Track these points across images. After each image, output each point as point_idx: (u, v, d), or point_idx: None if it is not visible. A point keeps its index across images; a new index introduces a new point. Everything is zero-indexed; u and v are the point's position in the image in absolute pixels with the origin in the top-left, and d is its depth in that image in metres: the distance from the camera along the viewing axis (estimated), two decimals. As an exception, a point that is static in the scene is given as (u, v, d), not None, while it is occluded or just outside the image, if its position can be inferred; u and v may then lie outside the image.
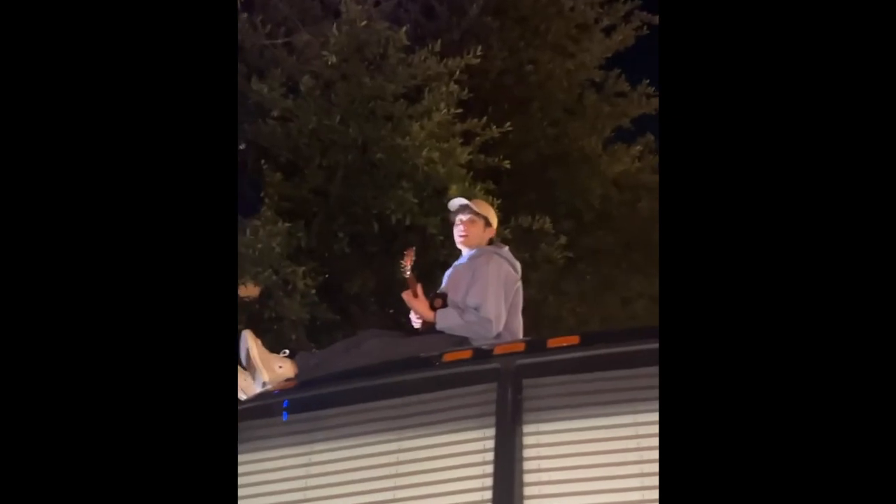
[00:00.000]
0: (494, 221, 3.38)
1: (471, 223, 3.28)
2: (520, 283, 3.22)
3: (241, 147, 5.92)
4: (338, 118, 5.41)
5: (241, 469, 2.36)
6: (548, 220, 6.11)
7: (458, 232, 3.30)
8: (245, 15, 5.37)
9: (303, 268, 5.21)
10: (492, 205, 4.10)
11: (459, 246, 3.32)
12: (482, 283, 3.02)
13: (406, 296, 3.11)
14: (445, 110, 5.47)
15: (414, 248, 3.30)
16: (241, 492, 2.31)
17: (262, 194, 5.34)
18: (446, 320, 2.98)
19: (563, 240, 6.29)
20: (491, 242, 3.36)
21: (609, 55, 7.44)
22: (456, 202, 3.37)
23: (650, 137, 7.52)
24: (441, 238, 5.36)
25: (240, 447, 2.40)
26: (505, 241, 4.85)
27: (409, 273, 3.14)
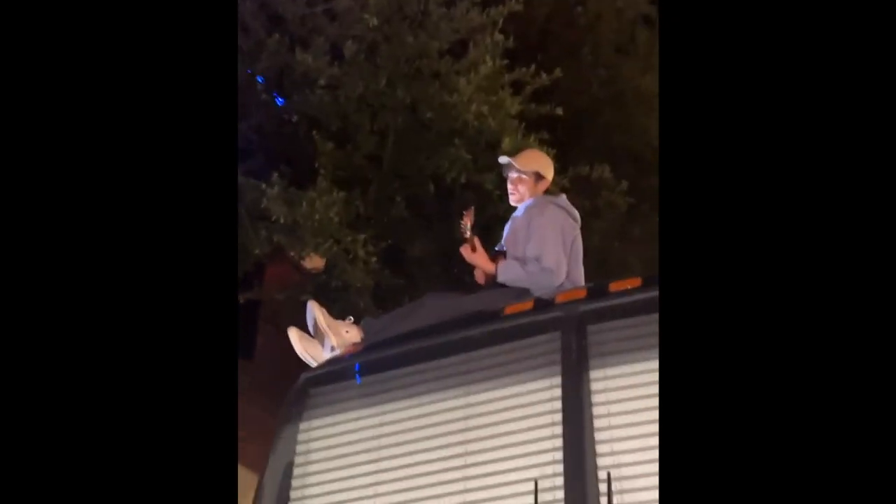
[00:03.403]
0: (549, 172, 3.26)
1: (518, 181, 3.18)
2: (578, 232, 3.14)
3: (294, 120, 5.96)
4: (384, 81, 5.37)
5: (316, 433, 2.42)
6: (607, 167, 5.97)
7: (509, 191, 3.24)
8: (283, -15, 5.36)
9: (363, 235, 5.25)
10: (546, 154, 3.99)
11: (512, 203, 3.26)
12: (540, 234, 2.96)
13: (464, 250, 3.08)
14: (492, 62, 5.36)
15: (473, 207, 3.25)
16: (315, 455, 2.37)
17: (316, 165, 5.37)
18: (508, 272, 2.95)
19: (623, 185, 6.14)
20: (548, 192, 3.28)
21: (663, -13, 7.11)
22: (502, 160, 3.30)
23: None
24: (498, 193, 5.30)
25: (314, 412, 2.47)
26: (564, 190, 4.76)
27: (468, 233, 3.10)
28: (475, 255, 3.04)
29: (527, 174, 3.17)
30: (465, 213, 3.14)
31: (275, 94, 6.08)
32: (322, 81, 5.35)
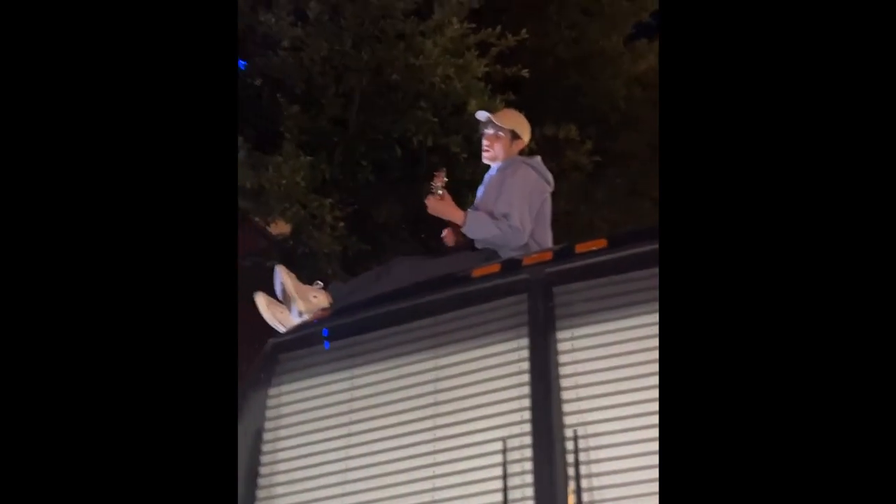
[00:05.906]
0: (525, 133, 3.24)
1: (495, 138, 3.17)
2: (548, 195, 3.15)
3: (257, 83, 5.85)
4: (349, 42, 5.29)
5: (286, 398, 2.43)
6: (573, 127, 5.97)
7: (483, 147, 3.23)
8: (245, -55, 5.22)
9: (329, 200, 5.20)
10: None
11: (485, 160, 3.25)
12: (509, 193, 2.96)
13: (430, 200, 3.05)
14: (458, 23, 5.30)
15: (444, 168, 3.23)
16: (286, 420, 2.38)
17: (281, 129, 5.29)
18: (476, 222, 2.93)
19: (588, 144, 6.16)
20: (522, 153, 3.27)
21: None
22: (480, 115, 3.27)
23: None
24: (465, 156, 5.29)
25: (283, 377, 2.47)
26: (530, 152, 4.77)
27: (440, 193, 3.07)
28: (442, 203, 3.01)
29: (503, 132, 3.16)
30: (436, 173, 3.12)
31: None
32: (285, 43, 5.25)
